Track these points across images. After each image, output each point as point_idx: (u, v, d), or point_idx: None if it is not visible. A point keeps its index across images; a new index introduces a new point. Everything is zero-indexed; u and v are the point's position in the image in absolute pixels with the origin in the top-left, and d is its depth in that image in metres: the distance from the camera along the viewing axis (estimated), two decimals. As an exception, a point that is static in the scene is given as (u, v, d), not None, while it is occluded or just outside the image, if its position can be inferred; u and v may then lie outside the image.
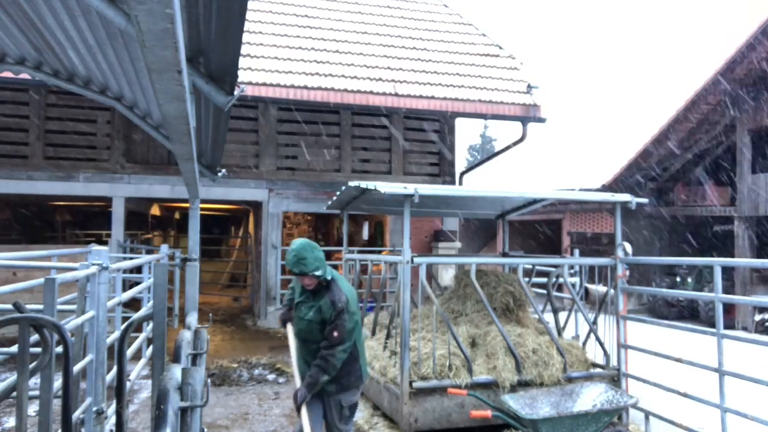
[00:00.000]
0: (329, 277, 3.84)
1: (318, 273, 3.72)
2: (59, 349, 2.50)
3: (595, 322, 6.42)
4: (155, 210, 17.74)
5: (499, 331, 5.88)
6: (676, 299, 16.29)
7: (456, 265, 9.32)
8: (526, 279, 7.12)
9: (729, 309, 14.06)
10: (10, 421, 5.76)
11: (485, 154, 40.65)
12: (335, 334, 3.72)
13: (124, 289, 7.00)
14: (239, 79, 3.34)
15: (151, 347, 6.63)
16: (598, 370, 6.27)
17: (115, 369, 3.35)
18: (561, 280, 6.58)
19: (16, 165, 10.69)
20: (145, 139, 11.11)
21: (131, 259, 7.98)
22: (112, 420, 4.39)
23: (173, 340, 3.32)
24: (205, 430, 3.46)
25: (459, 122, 13.54)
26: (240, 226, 19.84)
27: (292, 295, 4.17)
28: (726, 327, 5.17)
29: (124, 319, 6.72)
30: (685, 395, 5.25)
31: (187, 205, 5.49)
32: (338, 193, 7.36)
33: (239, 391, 7.26)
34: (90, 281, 3.93)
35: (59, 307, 3.46)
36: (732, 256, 15.22)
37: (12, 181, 10.60)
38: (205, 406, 2.36)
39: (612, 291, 6.38)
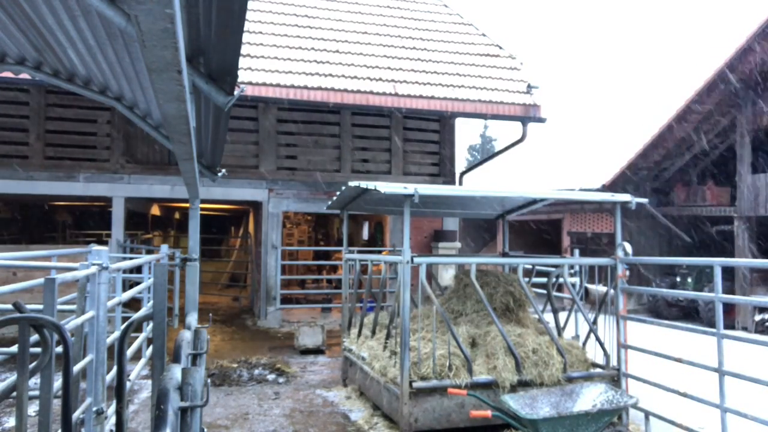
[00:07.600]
0: None
1: None
2: (59, 349, 2.50)
3: (595, 322, 6.42)
4: (155, 210, 17.74)
5: (499, 331, 5.87)
6: (676, 299, 16.28)
7: (456, 265, 9.32)
8: (526, 279, 7.12)
9: (729, 309, 14.04)
10: (10, 421, 5.77)
11: (485, 154, 40.64)
12: None
13: (124, 289, 6.99)
14: (239, 79, 3.34)
15: (151, 347, 6.62)
16: (598, 370, 6.27)
17: (115, 369, 3.35)
18: (561, 280, 6.58)
19: (16, 165, 10.69)
20: (145, 139, 11.11)
21: (131, 259, 7.98)
22: (112, 420, 4.39)
23: (173, 340, 3.32)
24: (205, 430, 3.46)
25: (459, 122, 13.55)
26: (240, 226, 19.83)
27: None
28: (726, 327, 5.16)
29: (124, 319, 6.70)
30: (685, 395, 5.25)
31: (187, 205, 5.49)
32: (338, 193, 7.36)
33: (239, 391, 7.26)
34: (90, 281, 3.93)
35: (59, 307, 3.46)
36: (732, 256, 15.21)
37: (12, 181, 10.60)
38: (205, 406, 2.36)
39: (612, 291, 6.38)
